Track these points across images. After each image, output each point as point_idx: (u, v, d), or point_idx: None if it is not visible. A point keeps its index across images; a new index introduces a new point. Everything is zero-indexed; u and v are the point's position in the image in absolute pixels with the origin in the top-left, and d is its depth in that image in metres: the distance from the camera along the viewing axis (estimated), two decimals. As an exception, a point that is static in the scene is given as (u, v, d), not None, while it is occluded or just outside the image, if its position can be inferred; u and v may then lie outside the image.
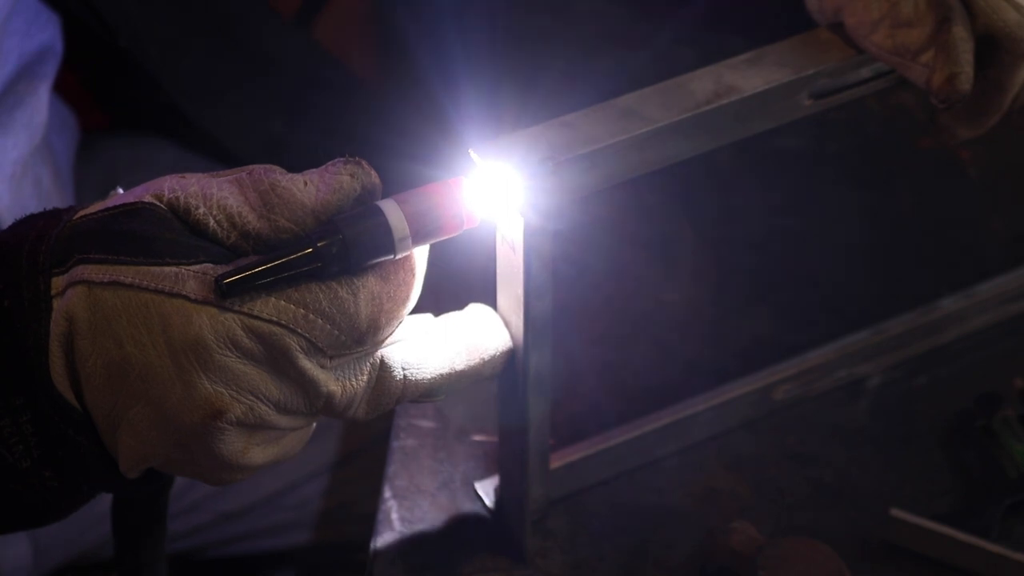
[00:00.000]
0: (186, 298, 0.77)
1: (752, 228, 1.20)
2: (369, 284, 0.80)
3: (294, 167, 1.29)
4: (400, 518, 1.04)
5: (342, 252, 0.78)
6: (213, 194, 0.79)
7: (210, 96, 1.23)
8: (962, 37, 0.92)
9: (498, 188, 0.85)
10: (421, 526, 1.04)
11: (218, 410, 0.78)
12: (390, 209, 0.80)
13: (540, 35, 1.34)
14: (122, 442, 0.79)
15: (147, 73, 1.20)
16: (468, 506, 1.05)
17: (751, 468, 1.07)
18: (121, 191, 0.82)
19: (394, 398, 0.84)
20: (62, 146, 1.26)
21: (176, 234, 0.78)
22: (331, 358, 0.80)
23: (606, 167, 0.88)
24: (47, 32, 1.14)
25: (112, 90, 1.35)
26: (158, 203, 0.79)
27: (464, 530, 1.04)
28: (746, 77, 0.91)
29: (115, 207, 0.79)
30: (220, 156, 1.30)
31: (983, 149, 1.25)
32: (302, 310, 0.78)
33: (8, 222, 1.13)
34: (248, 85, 1.26)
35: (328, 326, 0.79)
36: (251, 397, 0.78)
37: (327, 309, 0.78)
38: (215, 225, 0.79)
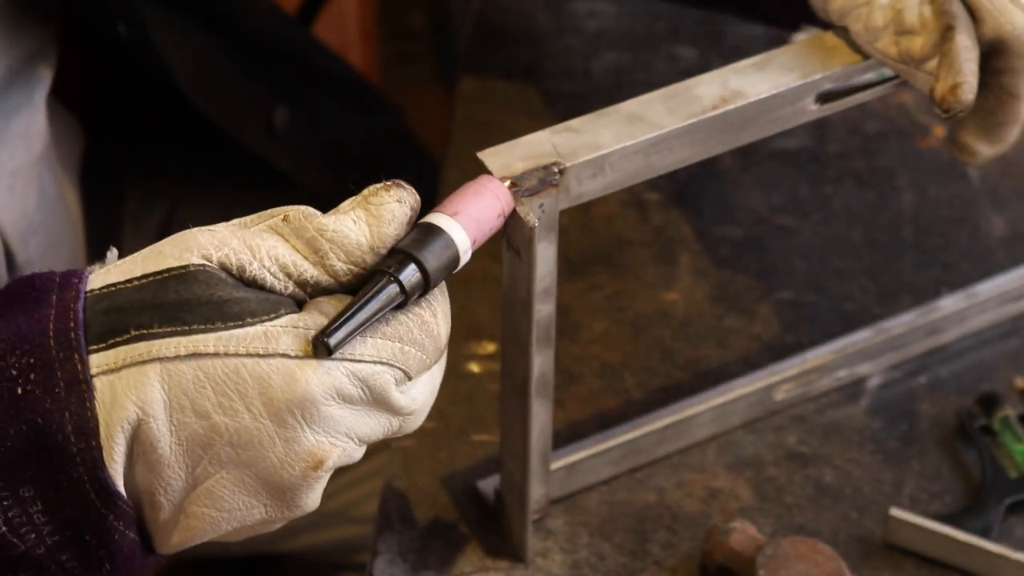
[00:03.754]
0: (285, 356, 0.75)
1: (752, 228, 1.20)
2: (440, 301, 0.80)
3: (297, 158, 1.28)
4: (400, 518, 1.04)
5: (423, 280, 0.78)
6: (259, 245, 0.77)
7: (210, 83, 1.21)
8: (965, 46, 0.90)
9: (505, 193, 0.85)
10: (421, 526, 1.04)
11: (320, 460, 0.76)
12: (448, 225, 0.80)
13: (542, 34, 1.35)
14: (190, 514, 0.77)
15: (147, 62, 1.18)
16: (468, 506, 1.05)
17: (751, 468, 1.07)
18: (115, 251, 0.79)
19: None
20: (67, 154, 1.25)
21: (245, 292, 0.76)
22: (410, 380, 0.79)
23: (612, 173, 0.88)
24: (39, 36, 1.12)
25: (112, 88, 1.34)
26: (209, 264, 0.76)
27: (464, 530, 1.04)
28: (752, 82, 0.90)
29: (158, 273, 0.76)
30: (224, 149, 1.29)
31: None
32: (397, 344, 0.77)
33: (12, 235, 1.11)
34: (249, 73, 1.24)
35: (420, 353, 0.78)
36: (346, 439, 0.77)
37: (418, 337, 0.78)
38: (272, 280, 0.77)
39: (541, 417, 0.95)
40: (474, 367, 1.12)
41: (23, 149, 1.10)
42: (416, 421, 0.81)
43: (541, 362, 0.92)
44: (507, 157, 0.86)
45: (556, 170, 0.86)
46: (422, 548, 1.03)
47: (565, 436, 1.07)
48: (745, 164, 1.24)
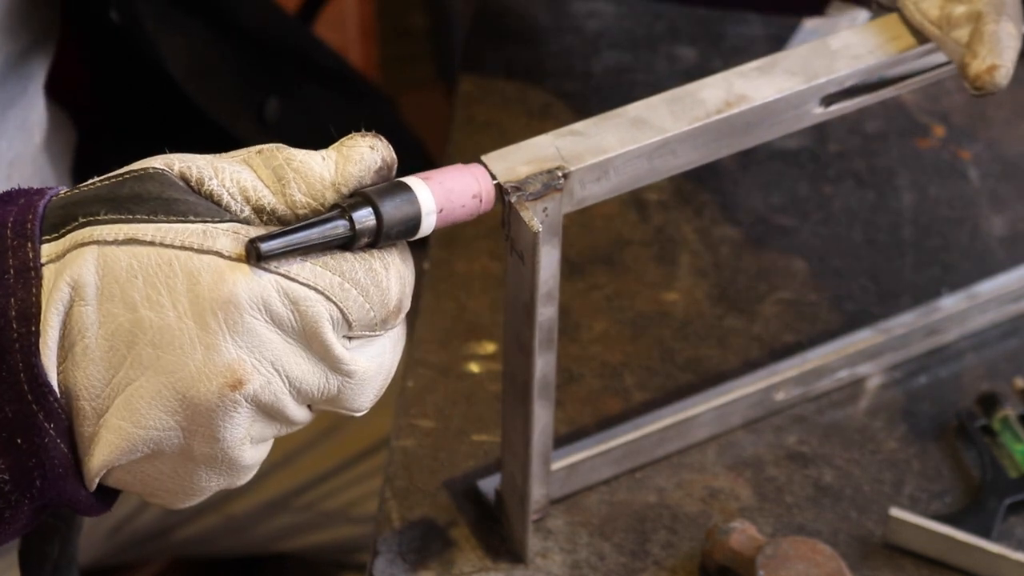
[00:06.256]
0: (219, 254, 0.75)
1: (752, 228, 1.20)
2: (396, 261, 0.79)
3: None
4: (400, 518, 1.04)
5: (376, 224, 0.77)
6: (224, 168, 0.78)
7: (203, 72, 1.20)
8: (1010, 33, 0.89)
9: (508, 196, 0.85)
10: (421, 526, 1.04)
11: (239, 379, 0.75)
12: (416, 184, 0.80)
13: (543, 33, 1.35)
14: (109, 427, 0.76)
15: (139, 49, 1.18)
16: (468, 506, 1.05)
17: (751, 468, 1.07)
18: None
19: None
20: (59, 150, 1.25)
21: (195, 197, 0.77)
22: (351, 339, 0.78)
23: (616, 176, 0.88)
24: (38, 27, 1.12)
25: (107, 83, 1.33)
26: (169, 171, 0.77)
27: (464, 530, 1.04)
28: (757, 86, 0.90)
29: (121, 173, 0.77)
30: (222, 145, 1.28)
31: (983, 149, 1.25)
32: (338, 278, 0.77)
33: None
34: (242, 63, 1.24)
35: (362, 298, 0.77)
36: (271, 368, 0.76)
37: (363, 280, 0.77)
38: (228, 199, 0.77)
39: (542, 419, 0.95)
40: (474, 367, 1.12)
41: (20, 140, 1.10)
42: (358, 392, 0.80)
43: (543, 364, 0.92)
44: (511, 161, 0.86)
45: (560, 174, 0.86)
46: (422, 548, 1.03)
47: (565, 436, 1.07)
48: (745, 164, 1.24)
